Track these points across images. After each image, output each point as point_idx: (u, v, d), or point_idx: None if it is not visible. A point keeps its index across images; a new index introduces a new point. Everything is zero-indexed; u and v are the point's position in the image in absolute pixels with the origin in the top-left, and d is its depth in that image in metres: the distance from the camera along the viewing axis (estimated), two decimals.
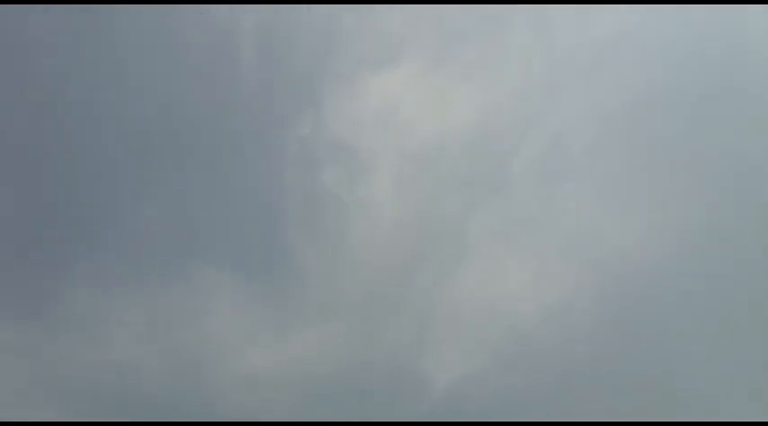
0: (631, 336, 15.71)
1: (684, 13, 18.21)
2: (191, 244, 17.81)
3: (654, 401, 14.95)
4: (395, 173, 18.61)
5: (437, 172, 18.65)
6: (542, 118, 18.83)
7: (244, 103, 18.18)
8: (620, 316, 16.06)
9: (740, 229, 16.44)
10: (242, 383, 16.64)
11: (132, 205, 17.96)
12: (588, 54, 19.07)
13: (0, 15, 17.02)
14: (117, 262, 17.57)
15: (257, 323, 17.27)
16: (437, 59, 19.17)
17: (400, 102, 19.02)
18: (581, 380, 15.42)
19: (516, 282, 17.05)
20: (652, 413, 14.62)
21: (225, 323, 17.16)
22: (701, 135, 17.70)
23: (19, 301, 16.89)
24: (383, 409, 16.24)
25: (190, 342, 17.06)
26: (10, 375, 16.12)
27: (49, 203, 17.30)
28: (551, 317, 16.37)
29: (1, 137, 17.29)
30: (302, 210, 18.12)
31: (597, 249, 17.13)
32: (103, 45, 17.80)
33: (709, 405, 14.45)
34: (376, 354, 16.72)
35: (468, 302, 16.98)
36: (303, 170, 18.31)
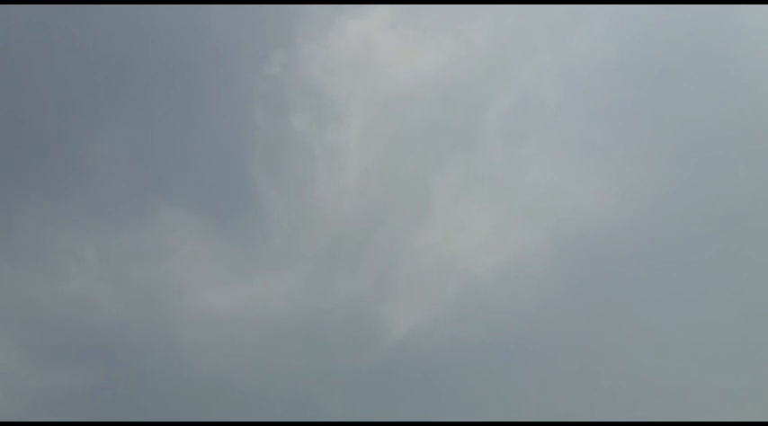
0: (586, 300, 16.39)
1: None
2: (151, 180, 17.46)
3: (606, 364, 15.79)
4: (364, 121, 18.41)
5: (406, 122, 18.54)
6: (514, 74, 18.75)
7: (212, 38, 17.51)
8: (576, 280, 16.66)
9: (707, 199, 17.02)
10: (201, 322, 16.79)
11: (91, 136, 17.37)
12: (563, 14, 18.91)
13: None
14: (73, 195, 17.15)
15: (218, 264, 17.29)
16: (414, 7, 18.69)
17: (374, 48, 18.62)
18: (532, 337, 16.14)
19: (476, 239, 17.41)
20: (604, 377, 15.47)
21: (184, 263, 17.12)
22: (672, 101, 17.98)
23: None
24: (339, 354, 16.73)
25: (148, 279, 17.01)
26: None
27: (4, 135, 16.63)
28: (507, 276, 16.87)
29: None
30: (268, 153, 17.86)
31: (559, 211, 17.52)
32: None
33: (662, 370, 15.36)
34: (335, 301, 17.04)
35: (427, 256, 17.32)
36: (271, 111, 17.95)
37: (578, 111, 18.44)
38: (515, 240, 17.39)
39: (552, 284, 16.55)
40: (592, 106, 18.48)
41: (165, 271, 16.75)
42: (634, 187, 17.62)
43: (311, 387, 16.45)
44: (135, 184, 17.26)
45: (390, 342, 16.70)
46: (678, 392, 15.16)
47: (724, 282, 16.05)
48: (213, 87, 17.78)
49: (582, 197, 17.72)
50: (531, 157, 18.19)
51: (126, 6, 16.89)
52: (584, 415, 14.60)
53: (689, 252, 16.67)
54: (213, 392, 16.37)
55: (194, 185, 17.72)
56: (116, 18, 17.12)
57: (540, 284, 16.68)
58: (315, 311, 16.91)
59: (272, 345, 16.70)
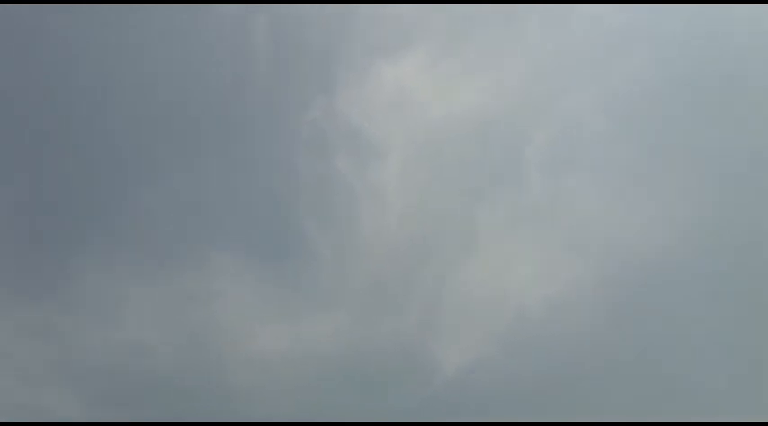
0: (635, 328, 16.04)
1: (699, 7, 18.21)
2: (202, 228, 18.01)
3: (658, 392, 15.33)
4: (405, 159, 18.75)
5: (446, 159, 18.78)
6: (552, 107, 18.91)
7: (255, 89, 18.24)
8: (624, 309, 16.36)
9: (748, 227, 16.68)
10: (253, 364, 16.98)
11: (144, 190, 18.11)
12: (600, 43, 19.11)
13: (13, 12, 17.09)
14: (128, 246, 17.78)
15: (268, 307, 17.57)
16: (449, 46, 19.19)
17: (411, 88, 19.09)
18: (585, 370, 15.79)
19: (523, 273, 17.31)
20: (655, 404, 15.01)
21: (236, 307, 17.45)
22: (713, 129, 17.83)
23: (33, 281, 17.16)
24: (390, 392, 16.63)
25: (202, 324, 17.37)
26: (26, 355, 16.45)
27: (63, 188, 17.47)
28: (557, 308, 16.67)
29: (15, 123, 17.40)
30: (313, 196, 18.29)
31: (604, 241, 17.35)
32: (115, 34, 17.79)
33: (711, 397, 14.84)
34: (384, 339, 17.05)
35: (475, 291, 17.27)
36: (314, 155, 18.46)
37: (620, 141, 18.42)
38: (563, 272, 17.22)
39: (603, 314, 16.27)
40: (633, 135, 18.47)
41: (215, 315, 17.09)
42: (680, 215, 17.35)
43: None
44: (186, 231, 17.84)
45: (441, 379, 16.54)
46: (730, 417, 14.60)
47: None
48: (258, 135, 18.44)
49: (628, 226, 17.51)
50: (573, 189, 18.14)
51: (173, 60, 17.82)
52: None
53: (739, 281, 16.27)
54: None
55: (243, 230, 18.20)
56: (165, 72, 18.05)
57: (591, 315, 16.40)
58: (364, 350, 16.94)
59: (323, 385, 16.72)
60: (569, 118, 18.63)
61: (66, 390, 16.52)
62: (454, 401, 16.10)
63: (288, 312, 17.53)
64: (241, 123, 18.20)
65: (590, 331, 15.98)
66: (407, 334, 17.00)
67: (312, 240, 17.92)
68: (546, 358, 15.92)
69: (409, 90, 18.93)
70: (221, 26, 18.48)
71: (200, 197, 17.92)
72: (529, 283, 16.97)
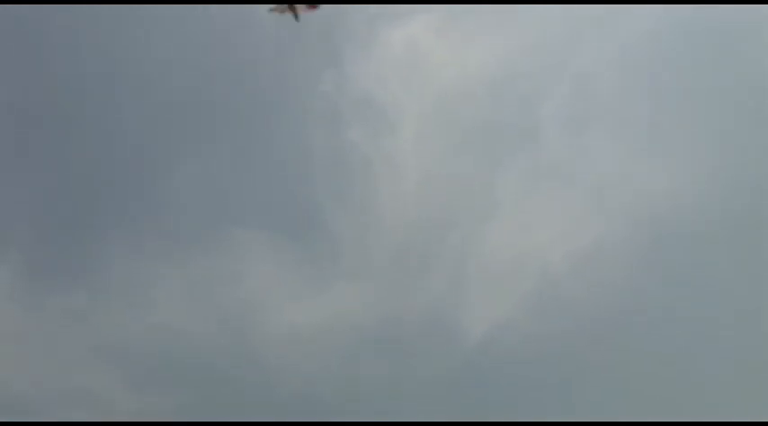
0: (661, 281, 15.67)
1: None
2: (224, 208, 18.27)
3: (683, 346, 14.99)
4: (419, 124, 18.55)
5: (462, 120, 18.52)
6: (567, 63, 18.40)
7: (265, 70, 18.27)
8: (649, 262, 16.01)
9: None
10: (284, 338, 17.31)
11: (163, 175, 18.45)
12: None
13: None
14: (152, 230, 18.19)
15: (295, 283, 17.82)
16: (458, 8, 18.72)
17: (421, 51, 18.79)
18: (610, 325, 15.55)
19: (545, 231, 17.09)
20: (680, 357, 14.67)
21: (262, 283, 17.78)
22: (730, 77, 17.09)
23: (64, 270, 17.83)
24: (422, 358, 16.74)
25: (231, 301, 17.78)
26: (66, 341, 17.18)
27: (90, 178, 18.01)
28: (582, 266, 16.43)
29: (42, 119, 17.99)
30: (329, 168, 18.31)
31: (626, 195, 17.02)
32: (133, 24, 18.07)
33: (739, 349, 14.45)
34: (410, 307, 17.13)
35: (497, 253, 17.13)
36: (328, 128, 18.45)
37: (635, 94, 17.89)
38: (587, 229, 16.88)
39: (628, 270, 15.96)
40: (648, 87, 17.89)
41: (245, 292, 17.45)
42: (703, 167, 16.83)
43: (398, 394, 16.53)
44: (208, 213, 18.16)
45: (470, 342, 16.55)
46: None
47: None
48: (272, 114, 18.52)
49: (650, 180, 17.12)
50: (593, 145, 17.73)
51: (182, 53, 18.05)
52: (671, 403, 13.88)
53: (758, 234, 15.69)
54: (302, 405, 16.77)
55: (263, 208, 18.38)
56: (177, 59, 18.25)
57: (617, 271, 16.08)
58: (392, 318, 17.05)
59: (354, 355, 16.95)
60: (583, 74, 18.11)
61: (108, 374, 17.21)
62: (483, 362, 16.13)
63: (314, 286, 17.75)
64: (253, 104, 18.28)
65: (614, 286, 15.71)
66: (434, 301, 17.02)
67: (331, 213, 18.02)
68: (569, 315, 15.72)
69: (418, 53, 18.64)
70: (227, 12, 18.49)
71: (219, 178, 18.14)
72: (552, 242, 16.73)
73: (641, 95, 17.75)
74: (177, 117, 18.57)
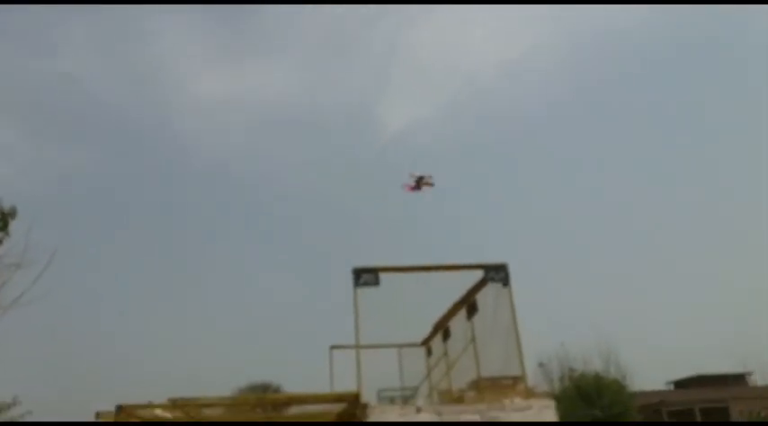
0: (588, 96, 16.20)
1: None
2: None
3: (606, 162, 15.76)
4: None
5: None
6: None
7: None
8: (578, 76, 16.37)
9: None
10: (197, 107, 16.74)
11: None
12: None
13: None
14: None
15: (209, 48, 16.76)
16: None
17: None
18: (531, 132, 16.21)
19: (480, 37, 16.82)
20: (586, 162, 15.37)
21: (178, 46, 16.61)
22: None
23: None
24: (335, 145, 16.95)
25: (142, 61, 16.64)
26: None
27: None
28: (512, 75, 16.59)
29: None
30: None
31: (558, 6, 16.74)
32: None
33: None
34: (332, 93, 16.89)
35: (427, 53, 16.84)
36: None
37: None
38: (517, 38, 16.72)
39: (557, 84, 16.24)
40: None
41: (158, 54, 16.28)
42: None
43: (307, 177, 16.86)
44: None
45: (388, 133, 16.83)
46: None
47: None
48: None
49: None
50: None
51: None
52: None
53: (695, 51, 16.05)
54: (210, 175, 16.78)
55: None
56: None
57: (545, 85, 16.37)
58: (312, 101, 16.81)
59: (268, 134, 16.80)
60: None
61: (3, 116, 16.06)
62: (396, 155, 16.63)
63: (230, 55, 16.80)
64: None
65: (543, 100, 16.08)
66: (356, 91, 16.81)
67: None
68: (491, 119, 16.18)
69: None
70: None
71: None
72: (484, 48, 16.55)
73: None
74: None
